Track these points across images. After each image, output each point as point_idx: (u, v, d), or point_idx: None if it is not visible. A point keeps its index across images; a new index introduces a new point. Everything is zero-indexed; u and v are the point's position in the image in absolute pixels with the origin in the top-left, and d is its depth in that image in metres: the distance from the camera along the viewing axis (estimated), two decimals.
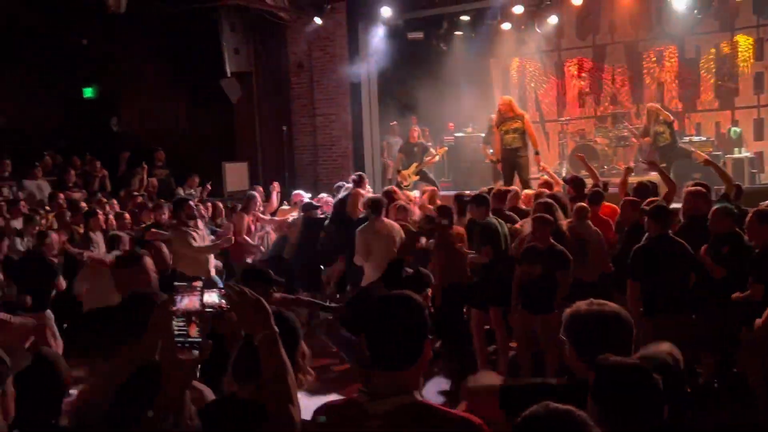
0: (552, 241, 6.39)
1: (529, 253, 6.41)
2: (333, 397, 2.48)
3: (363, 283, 7.21)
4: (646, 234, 5.98)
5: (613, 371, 2.10)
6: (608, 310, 2.59)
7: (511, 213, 7.92)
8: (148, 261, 3.69)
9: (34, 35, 13.21)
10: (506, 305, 6.92)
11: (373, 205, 7.48)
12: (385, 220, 7.47)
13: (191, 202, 7.93)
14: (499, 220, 7.24)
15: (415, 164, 12.23)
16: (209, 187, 12.06)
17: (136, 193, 11.36)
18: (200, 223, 8.08)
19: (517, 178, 11.06)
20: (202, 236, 7.73)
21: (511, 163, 11.02)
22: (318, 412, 2.19)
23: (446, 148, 13.27)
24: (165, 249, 6.10)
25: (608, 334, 2.50)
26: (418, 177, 12.25)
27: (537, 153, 11.06)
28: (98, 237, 8.32)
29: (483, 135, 13.80)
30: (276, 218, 10.00)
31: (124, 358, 2.71)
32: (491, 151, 12.21)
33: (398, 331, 2.08)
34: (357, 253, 7.41)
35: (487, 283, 6.98)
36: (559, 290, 6.19)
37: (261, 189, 11.18)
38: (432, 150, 12.55)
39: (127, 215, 9.09)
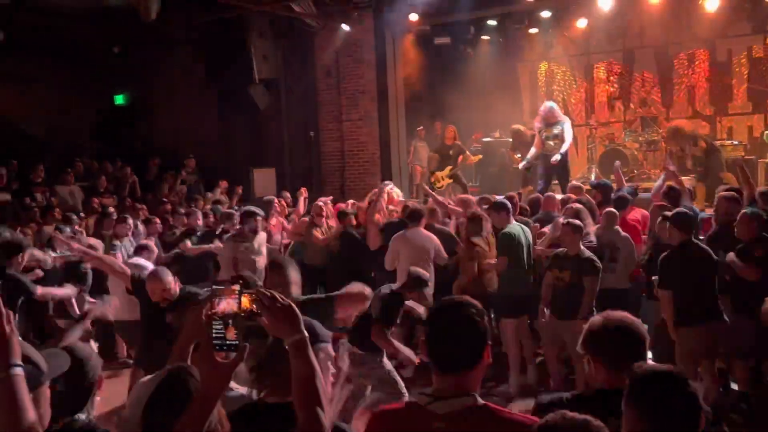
0: (582, 247, 6.34)
1: (557, 260, 6.38)
2: None
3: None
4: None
5: (650, 378, 2.07)
6: (626, 321, 2.68)
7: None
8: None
9: (67, 43, 13.45)
10: (529, 313, 6.91)
11: (411, 214, 7.45)
12: (423, 230, 7.40)
13: (259, 217, 7.96)
14: (523, 226, 7.19)
15: (449, 167, 12.19)
16: (239, 191, 12.18)
17: (165, 200, 11.49)
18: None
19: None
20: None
21: (549, 168, 10.91)
22: (376, 416, 2.27)
23: (480, 156, 13.16)
24: None
25: (628, 343, 2.60)
26: (451, 180, 12.21)
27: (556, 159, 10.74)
28: (124, 243, 8.44)
29: (510, 141, 13.74)
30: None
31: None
32: (519, 155, 12.16)
33: (461, 335, 2.16)
34: (386, 259, 7.40)
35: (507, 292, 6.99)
36: (585, 297, 6.14)
37: (288, 194, 11.23)
38: (468, 153, 12.45)
39: (157, 220, 9.19)
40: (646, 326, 2.96)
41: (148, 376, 2.86)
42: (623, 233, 7.06)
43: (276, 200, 9.85)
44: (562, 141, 10.79)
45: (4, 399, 1.85)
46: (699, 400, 2.04)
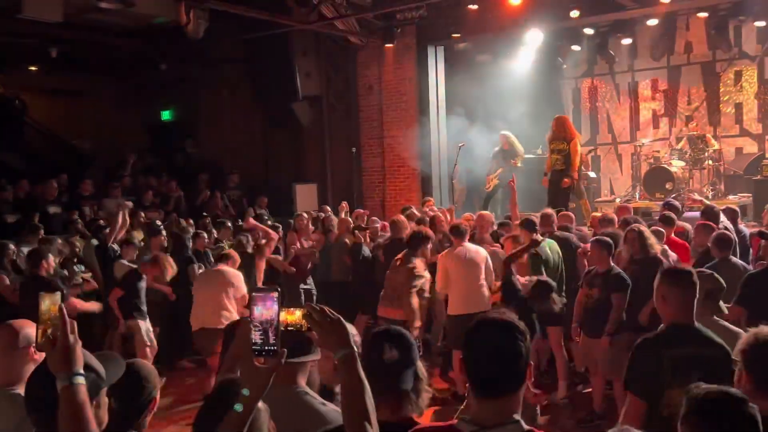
0: (611, 263, 6.26)
1: (588, 277, 6.34)
2: None
3: (448, 311, 7.18)
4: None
5: (708, 400, 2.02)
6: None
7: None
8: None
9: (116, 60, 13.79)
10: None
11: (454, 230, 7.39)
12: (470, 245, 7.30)
13: None
14: (551, 243, 7.17)
15: (500, 169, 12.35)
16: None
17: (205, 214, 11.66)
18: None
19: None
20: None
21: (554, 184, 10.74)
22: None
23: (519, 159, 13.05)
24: None
25: None
26: (497, 182, 12.26)
27: (569, 177, 10.57)
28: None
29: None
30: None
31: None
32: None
33: (505, 357, 2.02)
34: (437, 281, 7.27)
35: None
36: (612, 313, 6.05)
37: (328, 208, 11.28)
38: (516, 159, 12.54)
39: (204, 235, 9.33)
40: None
41: None
42: (670, 251, 6.95)
43: (302, 217, 10.00)
44: (566, 158, 10.55)
45: (67, 407, 1.89)
46: (758, 422, 1.99)
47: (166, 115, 15.70)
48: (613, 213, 8.88)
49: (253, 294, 2.08)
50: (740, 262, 6.46)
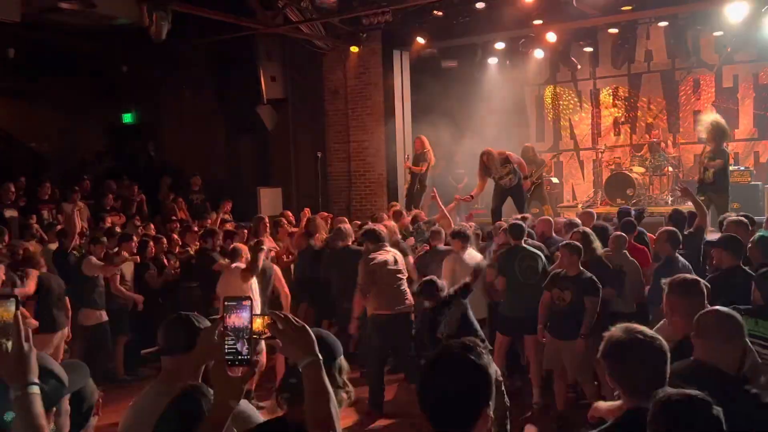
0: (581, 268, 6.34)
1: (556, 280, 6.38)
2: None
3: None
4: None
5: (673, 403, 2.04)
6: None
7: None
8: None
9: (76, 62, 13.55)
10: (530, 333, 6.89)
11: (459, 236, 7.37)
12: (469, 253, 7.34)
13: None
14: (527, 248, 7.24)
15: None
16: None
17: (173, 218, 11.52)
18: None
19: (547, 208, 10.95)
20: None
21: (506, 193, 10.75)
22: None
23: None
24: None
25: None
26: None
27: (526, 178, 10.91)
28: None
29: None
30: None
31: (170, 380, 2.74)
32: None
33: (457, 394, 1.92)
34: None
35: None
36: (586, 317, 6.15)
37: (290, 213, 11.17)
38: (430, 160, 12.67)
39: (164, 239, 9.20)
40: None
41: (144, 393, 2.85)
42: (630, 257, 7.06)
43: (265, 219, 9.82)
44: (515, 172, 10.58)
45: (21, 416, 1.84)
46: (723, 423, 2.02)
47: (127, 117, 15.48)
48: (576, 217, 8.99)
49: (226, 303, 2.06)
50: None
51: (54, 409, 1.99)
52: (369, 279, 6.91)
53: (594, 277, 6.28)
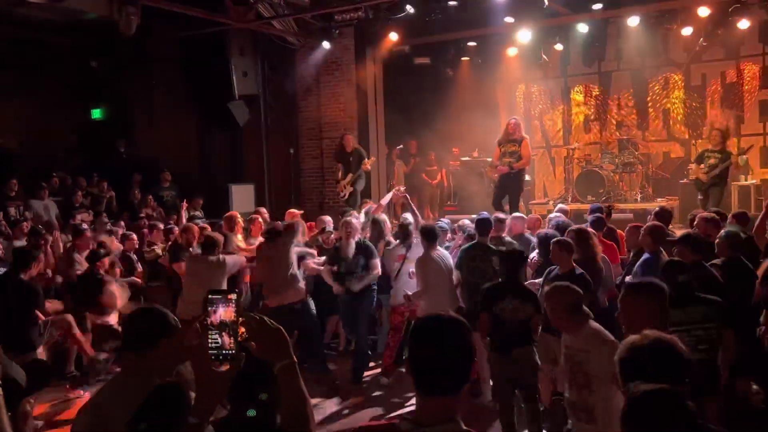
0: (574, 264, 6.33)
1: (549, 277, 6.37)
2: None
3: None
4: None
5: (648, 399, 2.06)
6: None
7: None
8: None
9: (44, 57, 13.34)
10: None
11: (426, 233, 7.33)
12: (440, 249, 7.33)
13: None
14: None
15: (350, 174, 12.12)
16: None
17: (141, 215, 11.40)
18: None
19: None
20: None
21: (507, 190, 10.93)
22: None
23: (374, 159, 12.69)
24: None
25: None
26: (353, 188, 12.14)
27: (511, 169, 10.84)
28: (81, 258, 8.35)
29: (490, 159, 13.82)
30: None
31: (142, 374, 2.66)
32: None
33: (449, 356, 1.99)
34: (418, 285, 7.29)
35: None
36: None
37: (264, 210, 11.08)
38: (366, 159, 12.23)
39: (134, 236, 9.10)
40: None
41: (103, 391, 2.71)
42: (601, 254, 7.11)
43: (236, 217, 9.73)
44: (519, 158, 10.79)
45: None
46: (696, 418, 2.04)
47: (97, 113, 15.26)
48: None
49: (210, 296, 2.00)
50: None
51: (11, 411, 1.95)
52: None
53: (585, 274, 6.24)
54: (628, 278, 6.67)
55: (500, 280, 6.07)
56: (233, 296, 1.99)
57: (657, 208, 8.16)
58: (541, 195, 15.56)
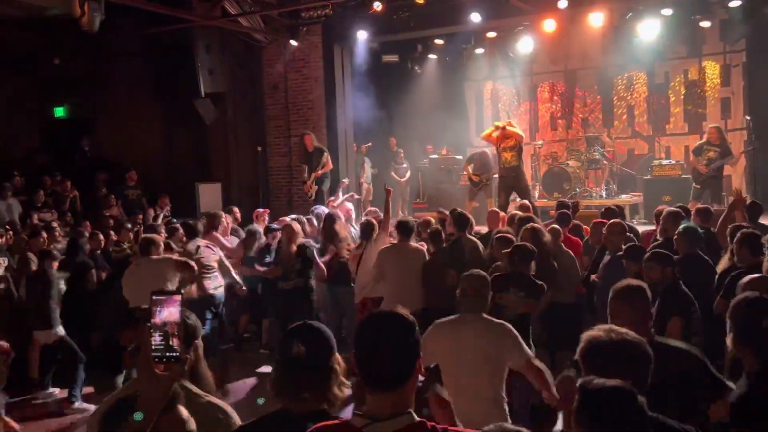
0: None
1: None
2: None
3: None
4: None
5: (600, 393, 2.10)
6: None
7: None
8: None
9: (6, 53, 13.08)
10: None
11: (400, 227, 7.27)
12: (411, 244, 7.21)
13: None
14: (474, 241, 7.27)
15: (312, 173, 12.13)
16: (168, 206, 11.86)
17: (106, 214, 11.24)
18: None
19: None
20: None
21: (513, 180, 11.07)
22: None
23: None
24: None
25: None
26: (316, 187, 12.16)
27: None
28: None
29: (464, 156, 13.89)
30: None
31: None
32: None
33: (391, 351, 2.03)
34: (373, 276, 7.24)
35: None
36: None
37: (236, 209, 10.98)
38: (326, 157, 12.25)
39: (100, 236, 8.98)
40: None
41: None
42: (566, 249, 7.21)
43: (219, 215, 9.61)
44: (519, 153, 11.08)
45: None
46: (646, 414, 2.08)
47: (60, 111, 14.99)
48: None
49: (154, 297, 1.99)
50: None
51: None
52: None
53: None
54: (593, 277, 6.79)
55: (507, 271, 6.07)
56: (178, 297, 1.98)
57: (603, 209, 8.28)
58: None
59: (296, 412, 2.28)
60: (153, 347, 1.94)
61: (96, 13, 9.56)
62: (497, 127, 11.25)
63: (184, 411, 2.08)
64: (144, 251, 6.87)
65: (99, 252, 8.82)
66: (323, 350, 2.33)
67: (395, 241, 7.29)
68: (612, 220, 7.02)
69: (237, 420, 2.49)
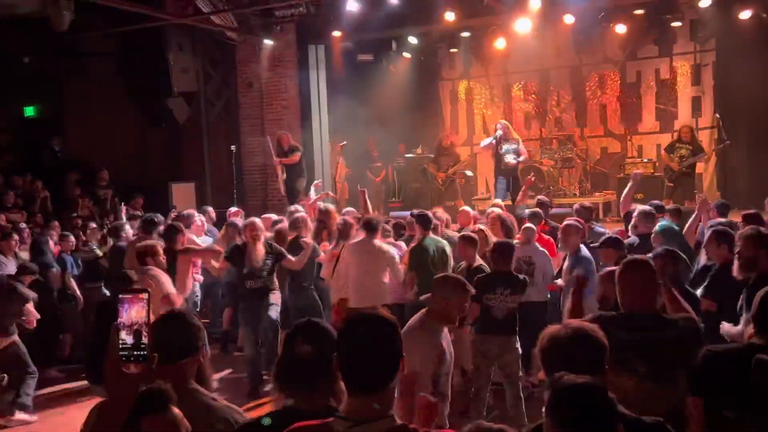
0: (481, 261, 6.48)
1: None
2: None
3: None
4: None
5: (570, 389, 2.12)
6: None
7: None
8: None
9: None
10: None
11: (366, 225, 7.26)
12: (376, 242, 7.17)
13: None
14: (439, 240, 7.30)
15: (279, 159, 12.16)
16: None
17: (75, 215, 11.11)
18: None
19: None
20: None
21: (509, 179, 11.25)
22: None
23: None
24: None
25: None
26: (294, 186, 12.19)
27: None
28: (9, 261, 8.09)
29: (432, 156, 13.93)
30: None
31: None
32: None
33: (375, 353, 2.04)
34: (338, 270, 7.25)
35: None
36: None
37: (210, 209, 10.87)
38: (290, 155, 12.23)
39: (71, 237, 8.87)
40: None
41: None
42: (540, 248, 7.27)
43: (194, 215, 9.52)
44: (519, 155, 11.27)
45: None
46: (616, 410, 2.10)
47: (29, 111, 14.77)
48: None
49: (121, 296, 1.97)
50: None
51: None
52: None
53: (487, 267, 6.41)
54: (559, 281, 6.87)
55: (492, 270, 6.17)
56: (144, 295, 1.96)
57: (577, 206, 8.38)
58: (484, 190, 15.74)
59: (306, 409, 2.28)
60: (120, 346, 1.92)
61: (66, 11, 9.45)
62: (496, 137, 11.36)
63: (177, 412, 2.08)
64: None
65: (69, 254, 8.71)
66: (328, 348, 2.33)
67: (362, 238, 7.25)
68: (565, 222, 7.08)
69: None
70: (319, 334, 2.39)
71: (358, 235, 7.35)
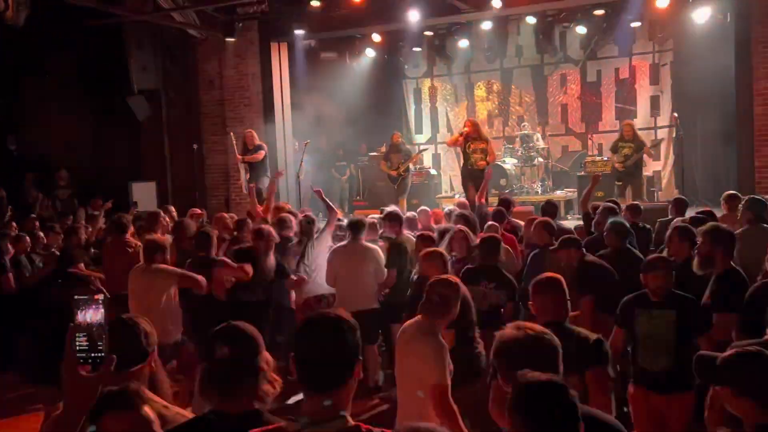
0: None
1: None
2: None
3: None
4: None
5: (533, 387, 2.14)
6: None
7: None
8: None
9: None
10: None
11: (351, 226, 7.13)
12: (362, 241, 7.01)
13: None
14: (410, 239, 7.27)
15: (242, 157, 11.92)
16: (110, 205, 11.50)
17: (33, 215, 10.86)
18: None
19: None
20: None
21: (477, 183, 11.10)
22: None
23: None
24: None
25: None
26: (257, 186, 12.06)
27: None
28: None
29: (383, 153, 13.87)
30: None
31: None
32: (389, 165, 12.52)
33: (328, 352, 2.04)
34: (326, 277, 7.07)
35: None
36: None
37: (172, 208, 10.74)
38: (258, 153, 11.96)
39: (26, 238, 8.66)
40: None
41: None
42: (504, 245, 7.29)
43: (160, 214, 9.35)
44: (486, 156, 11.01)
45: None
46: (578, 409, 2.13)
47: None
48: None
49: (76, 298, 1.95)
50: None
51: None
52: None
53: None
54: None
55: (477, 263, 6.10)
56: (100, 297, 1.96)
57: (543, 203, 8.46)
58: (447, 188, 15.84)
59: (229, 412, 2.29)
60: (77, 348, 1.90)
61: (21, 7, 9.24)
62: (462, 132, 11.27)
63: (149, 411, 2.07)
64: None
65: (24, 256, 8.50)
66: (248, 350, 2.36)
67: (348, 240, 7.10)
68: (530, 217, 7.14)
69: None
70: (238, 336, 2.39)
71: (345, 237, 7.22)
